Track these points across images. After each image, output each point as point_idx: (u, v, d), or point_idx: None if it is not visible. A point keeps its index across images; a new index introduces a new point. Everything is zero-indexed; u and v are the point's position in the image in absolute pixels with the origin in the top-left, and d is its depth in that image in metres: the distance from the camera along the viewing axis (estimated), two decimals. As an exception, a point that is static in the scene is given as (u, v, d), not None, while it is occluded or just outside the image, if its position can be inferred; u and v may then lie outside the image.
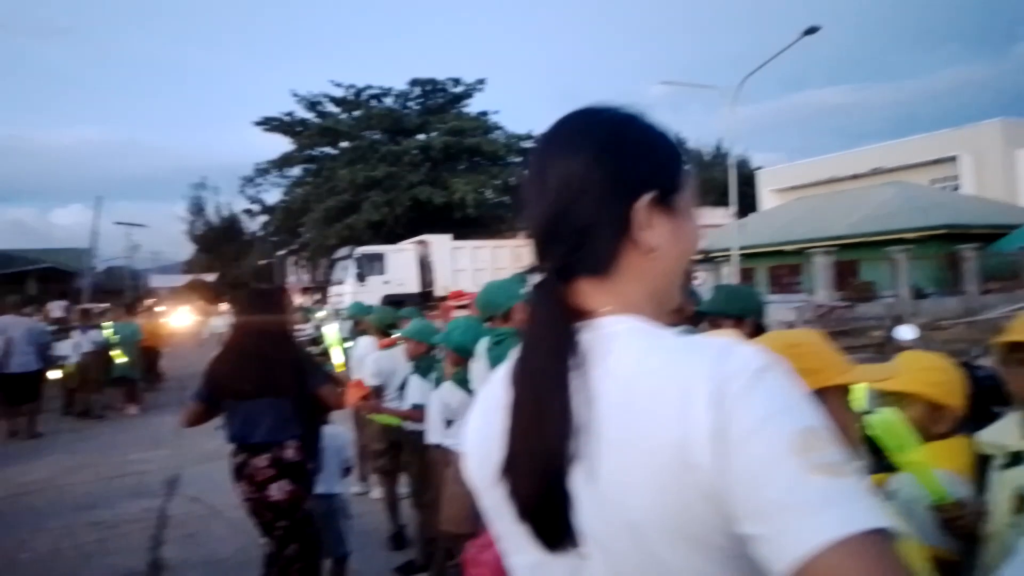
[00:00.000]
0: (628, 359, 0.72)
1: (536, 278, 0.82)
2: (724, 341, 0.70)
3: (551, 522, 0.72)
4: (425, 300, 22.00)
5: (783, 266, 22.08)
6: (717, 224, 31.96)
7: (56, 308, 19.91)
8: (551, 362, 0.74)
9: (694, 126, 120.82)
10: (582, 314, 0.77)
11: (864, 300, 17.72)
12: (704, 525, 0.64)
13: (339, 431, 3.69)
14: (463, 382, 3.53)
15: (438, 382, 3.66)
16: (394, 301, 21.49)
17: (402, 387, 4.33)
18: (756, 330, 2.85)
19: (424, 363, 4.17)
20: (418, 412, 4.09)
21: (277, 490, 3.08)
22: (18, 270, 31.31)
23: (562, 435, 0.71)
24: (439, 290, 21.60)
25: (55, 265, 33.90)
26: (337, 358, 4.44)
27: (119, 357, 11.04)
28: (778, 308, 20.69)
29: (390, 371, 4.58)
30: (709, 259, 22.99)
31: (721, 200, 37.63)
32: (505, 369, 0.83)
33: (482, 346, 3.23)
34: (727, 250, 20.86)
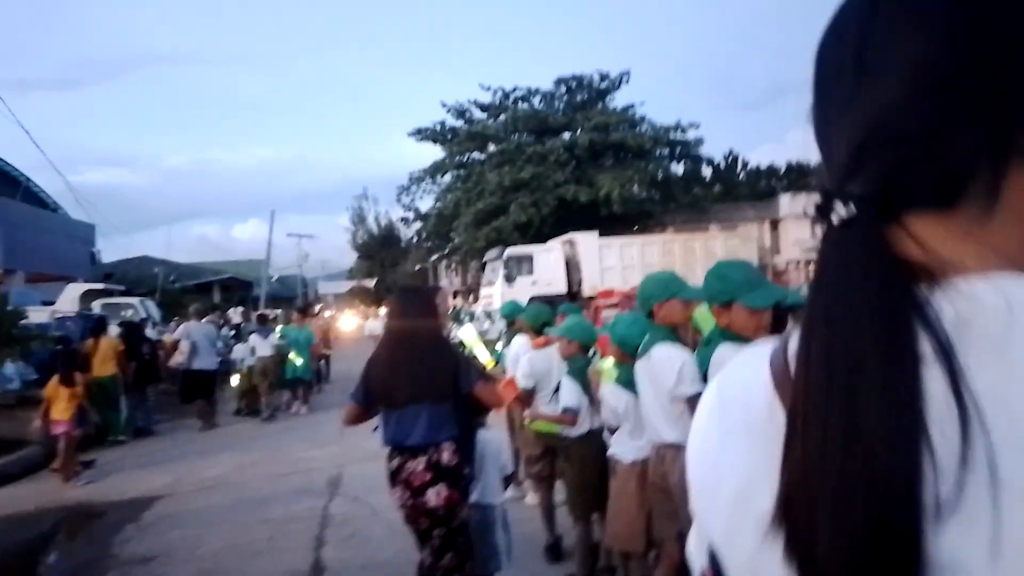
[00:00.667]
0: None
1: (835, 216, 0.49)
2: None
3: None
4: (573, 299, 21.80)
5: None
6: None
7: (235, 314, 21.72)
8: (879, 347, 0.45)
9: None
10: (927, 271, 0.47)
11: None
12: None
13: (495, 435, 3.48)
14: (628, 383, 3.18)
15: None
16: (543, 302, 21.47)
17: (557, 389, 4.04)
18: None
19: (579, 363, 3.86)
20: (571, 416, 3.80)
21: (434, 495, 2.94)
22: (204, 281, 34.71)
23: (909, 471, 0.42)
24: (587, 289, 21.28)
25: (235, 275, 37.34)
26: (482, 356, 4.23)
27: (295, 359, 11.64)
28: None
29: (544, 372, 4.31)
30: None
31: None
32: (755, 367, 0.57)
33: (659, 346, 2.90)
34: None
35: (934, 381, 0.43)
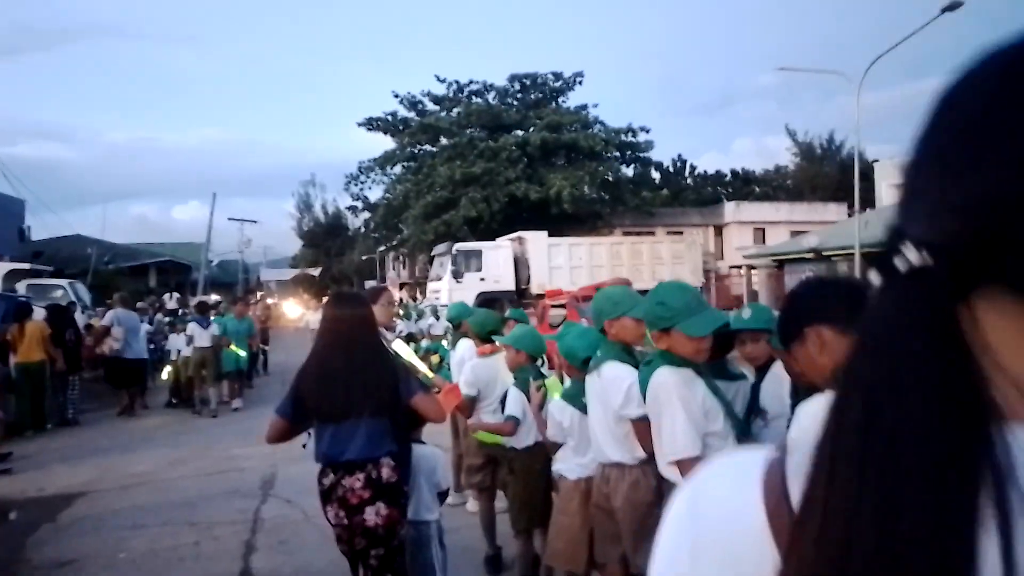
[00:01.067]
0: None
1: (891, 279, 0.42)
2: None
3: None
4: (520, 297, 21.80)
5: (906, 266, 20.34)
6: (831, 221, 30.19)
7: (170, 300, 20.93)
8: (937, 491, 0.36)
9: (805, 116, 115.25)
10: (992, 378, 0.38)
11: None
12: None
13: (429, 449, 3.34)
14: (574, 397, 3.12)
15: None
16: (489, 299, 21.48)
17: (503, 400, 3.95)
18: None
19: (526, 374, 3.78)
20: (512, 425, 3.73)
21: (373, 514, 2.79)
22: (140, 263, 33.42)
23: None
24: (535, 288, 21.29)
25: (173, 258, 36.02)
26: (421, 369, 4.12)
27: (236, 350, 11.14)
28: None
29: (488, 380, 4.21)
30: (824, 258, 21.49)
31: (835, 195, 35.62)
32: (740, 486, 0.49)
33: (609, 364, 2.84)
34: (844, 248, 19.43)
35: (990, 545, 0.35)
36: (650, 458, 2.67)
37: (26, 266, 19.87)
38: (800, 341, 1.61)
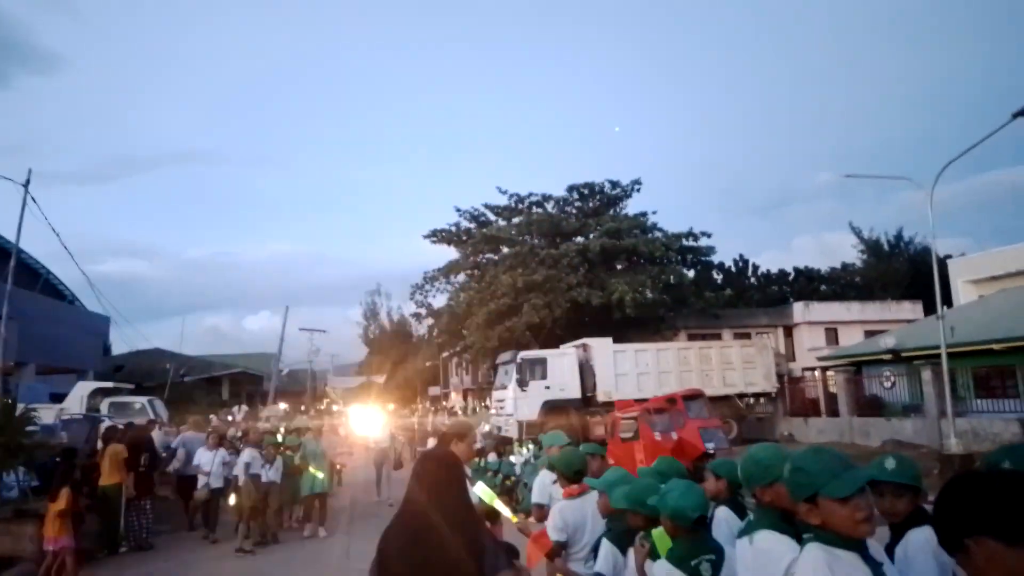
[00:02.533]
0: None
1: None
2: None
3: None
4: (587, 405, 21.42)
5: (993, 368, 19.16)
6: (906, 319, 29.06)
7: (239, 412, 21.35)
8: None
9: (865, 213, 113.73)
10: None
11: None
12: None
13: None
14: (683, 560, 2.91)
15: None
16: (555, 406, 21.17)
17: (596, 546, 3.75)
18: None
19: (621, 523, 3.58)
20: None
21: None
22: (214, 375, 34.50)
23: None
24: (601, 395, 20.91)
25: (245, 369, 37.10)
26: (504, 511, 3.97)
27: (315, 472, 10.82)
28: (991, 418, 17.95)
29: (578, 524, 4.01)
30: (904, 359, 20.53)
31: (907, 293, 34.45)
32: None
33: (765, 533, 2.59)
34: (924, 348, 18.54)
35: None
36: None
37: (109, 385, 20.73)
38: (964, 552, 1.45)
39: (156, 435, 13.58)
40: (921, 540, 2.60)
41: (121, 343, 34.46)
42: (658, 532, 3.20)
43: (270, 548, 9.72)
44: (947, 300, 27.32)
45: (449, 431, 4.30)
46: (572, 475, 4.17)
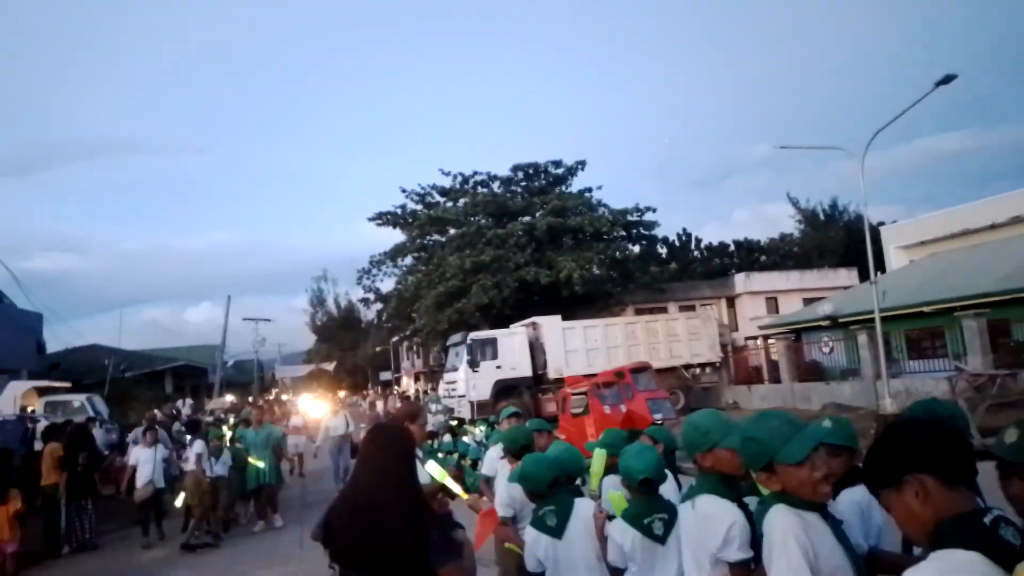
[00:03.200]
0: None
1: None
2: None
3: None
4: (538, 383, 21.61)
5: (924, 330, 20.07)
6: (843, 286, 30.10)
7: (184, 407, 20.82)
8: None
9: (802, 184, 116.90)
10: None
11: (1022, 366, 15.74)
12: None
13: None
14: (637, 518, 3.00)
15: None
16: (507, 386, 21.30)
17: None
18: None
19: (563, 493, 3.65)
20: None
21: None
22: (156, 369, 33.50)
23: None
24: (552, 373, 21.13)
25: (188, 362, 36.13)
26: (455, 489, 3.99)
27: (256, 462, 10.53)
28: (923, 379, 18.83)
29: (524, 499, 4.08)
30: (841, 325, 21.30)
31: (843, 260, 35.67)
32: None
33: (706, 497, 2.63)
34: (860, 314, 19.28)
35: None
36: None
37: (43, 383, 19.94)
38: (897, 488, 1.50)
39: (97, 433, 13.15)
40: (852, 500, 2.71)
41: (56, 341, 33.15)
42: (615, 495, 3.30)
43: (220, 544, 9.54)
44: (880, 266, 28.44)
45: (400, 413, 4.29)
46: (518, 451, 4.21)
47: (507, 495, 4.10)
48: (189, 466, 9.82)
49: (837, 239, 39.14)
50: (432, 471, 3.96)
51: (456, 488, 4.04)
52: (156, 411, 19.56)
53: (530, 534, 3.48)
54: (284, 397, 41.35)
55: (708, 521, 2.49)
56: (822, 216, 42.61)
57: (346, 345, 50.39)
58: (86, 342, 32.58)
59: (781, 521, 2.10)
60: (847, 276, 32.59)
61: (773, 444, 2.15)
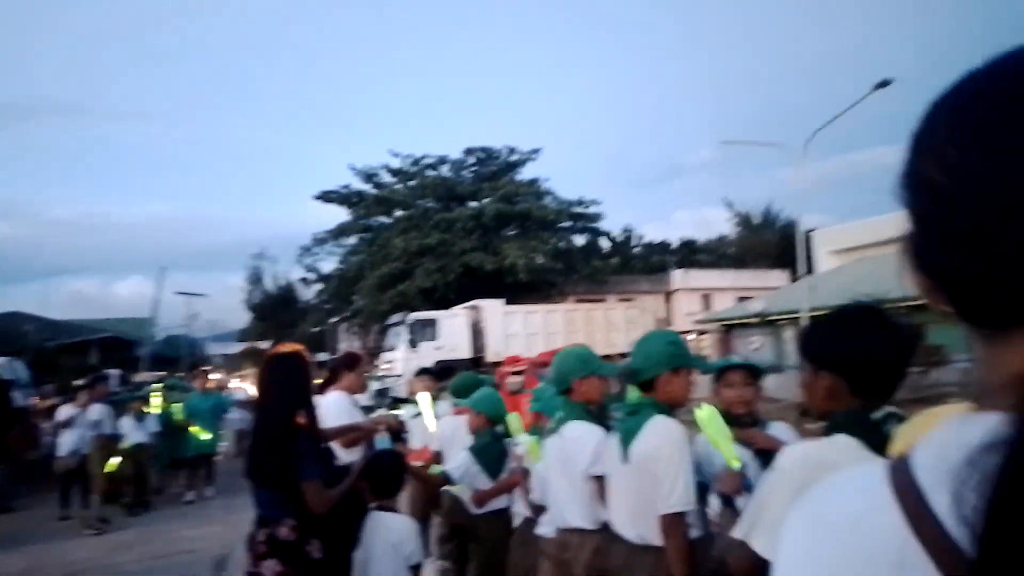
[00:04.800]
0: None
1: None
2: None
3: None
4: (476, 365, 21.74)
5: (848, 329, 21.03)
6: (773, 287, 31.19)
7: (114, 379, 20.08)
8: None
9: (743, 188, 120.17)
10: None
11: (935, 365, 16.71)
12: None
13: (399, 520, 3.27)
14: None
15: None
16: (446, 367, 21.31)
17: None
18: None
19: (484, 439, 3.85)
20: (479, 495, 3.74)
21: (267, 568, 2.92)
22: (82, 340, 32.23)
23: None
24: (491, 355, 21.30)
25: (117, 334, 34.86)
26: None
27: (200, 432, 10.12)
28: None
29: (449, 438, 4.30)
30: (769, 322, 22.14)
31: (776, 262, 36.91)
32: (865, 493, 0.50)
33: (573, 424, 2.91)
34: (788, 312, 20.07)
35: None
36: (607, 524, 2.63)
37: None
38: (815, 372, 1.62)
39: (17, 396, 12.64)
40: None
41: (-27, 307, 31.48)
42: (532, 440, 3.47)
43: (143, 516, 9.17)
44: (811, 269, 29.61)
45: (339, 359, 4.41)
46: (461, 393, 4.44)
47: (439, 432, 4.34)
48: (80, 432, 8.98)
49: (771, 242, 40.50)
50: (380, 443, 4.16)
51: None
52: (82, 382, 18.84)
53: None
54: (215, 375, 40.30)
55: (576, 443, 2.79)
56: (757, 220, 44.10)
57: (283, 324, 49.42)
58: (7, 309, 31.09)
59: (673, 427, 2.36)
60: (779, 277, 33.74)
61: (688, 353, 2.46)
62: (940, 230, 0.48)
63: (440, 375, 19.38)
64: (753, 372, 2.73)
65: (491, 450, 3.86)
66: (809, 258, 32.24)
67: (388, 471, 3.34)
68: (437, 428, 4.40)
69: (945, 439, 0.46)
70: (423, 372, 6.58)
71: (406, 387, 20.85)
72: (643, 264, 41.48)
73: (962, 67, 0.50)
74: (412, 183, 31.51)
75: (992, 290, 0.46)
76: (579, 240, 33.46)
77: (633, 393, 2.67)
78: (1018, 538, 0.38)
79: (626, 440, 2.43)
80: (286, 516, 2.95)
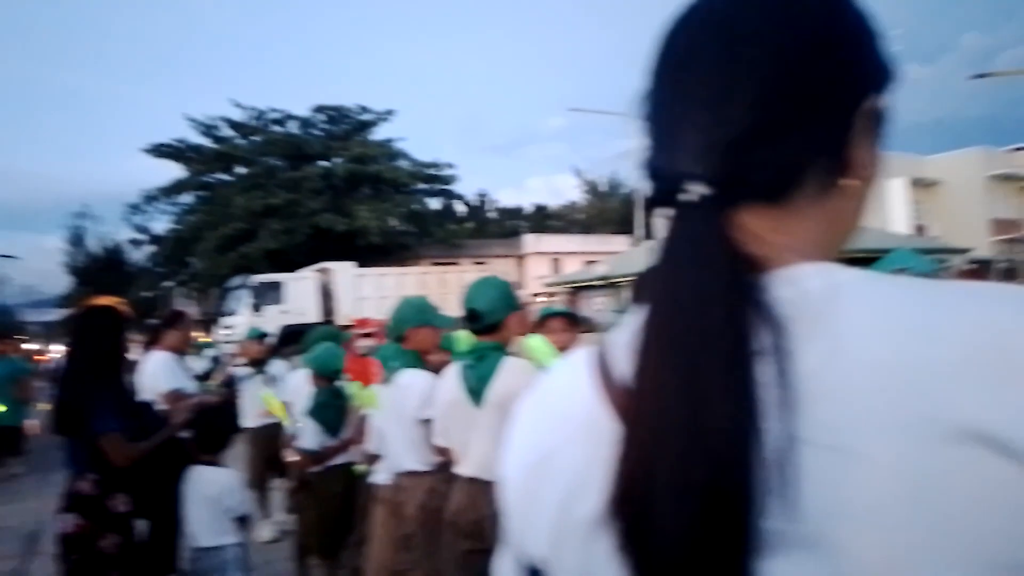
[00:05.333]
0: (872, 318, 0.46)
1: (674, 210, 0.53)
2: None
3: (710, 565, 0.45)
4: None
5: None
6: (618, 251, 32.89)
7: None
8: (718, 335, 0.47)
9: (592, 156, 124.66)
10: (760, 261, 0.51)
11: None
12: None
13: (220, 474, 3.22)
14: None
15: None
16: (293, 331, 20.59)
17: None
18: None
19: (322, 396, 3.84)
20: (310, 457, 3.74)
21: (65, 522, 2.90)
22: None
23: (745, 461, 0.44)
24: (341, 319, 20.84)
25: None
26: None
27: None
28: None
29: (294, 392, 4.27)
30: (613, 285, 23.40)
31: (621, 228, 38.90)
32: (572, 374, 0.60)
33: (406, 372, 2.97)
34: (630, 275, 21.30)
35: (768, 367, 0.46)
36: (442, 465, 2.75)
37: None
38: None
39: None
40: None
41: None
42: (367, 392, 3.50)
43: None
44: (650, 234, 31.41)
45: (164, 316, 4.27)
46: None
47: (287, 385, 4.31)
48: None
49: (616, 209, 42.58)
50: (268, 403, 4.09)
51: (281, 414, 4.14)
52: None
53: None
54: (30, 346, 36.46)
55: (406, 390, 2.90)
56: (604, 188, 46.16)
57: (109, 290, 45.44)
58: None
59: (524, 367, 2.45)
60: (622, 242, 35.60)
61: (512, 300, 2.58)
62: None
63: (286, 339, 18.79)
64: (571, 320, 2.92)
65: (328, 407, 3.86)
66: (647, 224, 34.23)
67: (213, 427, 3.32)
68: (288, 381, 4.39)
69: (631, 321, 0.57)
70: (257, 336, 6.43)
71: (239, 351, 20.02)
72: (497, 229, 42.20)
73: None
74: (256, 139, 29.77)
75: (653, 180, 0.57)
76: (434, 204, 33.36)
77: (467, 338, 2.75)
78: (653, 385, 0.49)
79: (480, 384, 2.47)
80: (88, 470, 2.89)
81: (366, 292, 21.62)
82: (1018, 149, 27.76)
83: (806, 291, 0.49)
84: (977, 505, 0.40)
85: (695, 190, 0.51)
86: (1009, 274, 17.05)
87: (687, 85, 0.55)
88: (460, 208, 39.55)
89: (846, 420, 0.44)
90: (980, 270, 15.38)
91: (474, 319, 2.56)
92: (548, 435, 0.60)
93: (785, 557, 0.44)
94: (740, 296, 0.48)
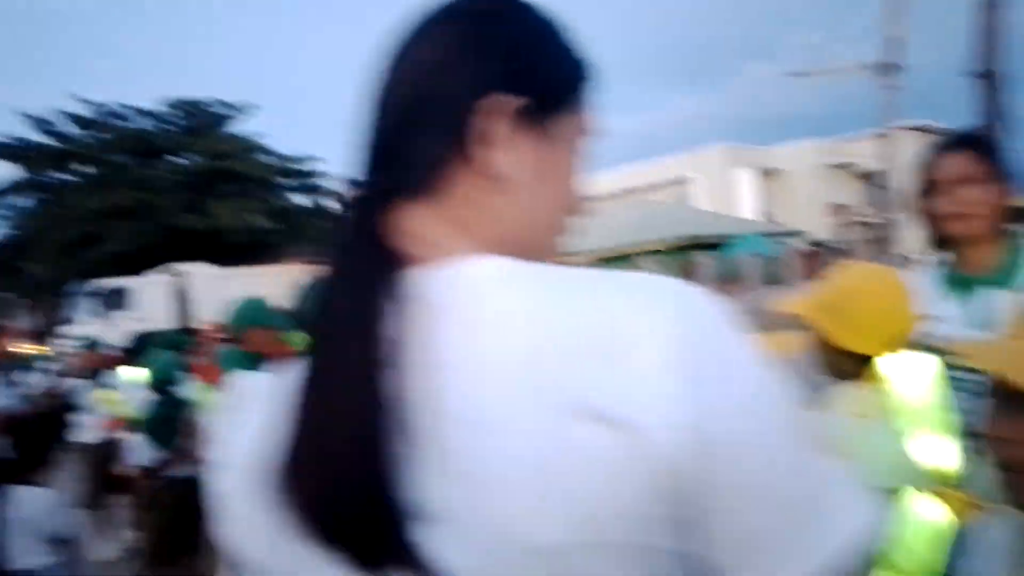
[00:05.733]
0: (508, 307, 0.53)
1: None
2: (672, 281, 0.53)
3: (367, 533, 0.50)
4: (187, 334, 19.95)
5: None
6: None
7: None
8: (358, 325, 0.54)
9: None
10: (414, 256, 0.57)
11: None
12: (644, 529, 0.48)
13: (36, 494, 3.00)
14: None
15: None
16: (144, 338, 19.20)
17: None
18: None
19: (156, 409, 3.63)
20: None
21: None
22: None
23: (380, 417, 0.51)
24: (199, 324, 19.75)
25: None
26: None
27: None
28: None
29: (135, 403, 4.04)
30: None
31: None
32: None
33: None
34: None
35: (411, 341, 0.52)
36: None
37: None
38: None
39: None
40: None
41: None
42: (208, 396, 3.35)
43: None
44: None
45: None
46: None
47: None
48: None
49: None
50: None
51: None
52: None
53: None
54: None
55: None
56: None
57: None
58: None
59: None
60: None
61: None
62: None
63: (138, 347, 17.67)
64: None
65: (158, 419, 3.68)
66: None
67: (31, 443, 3.07)
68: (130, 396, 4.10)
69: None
70: (90, 346, 6.21)
71: (76, 362, 18.47)
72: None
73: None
74: (102, 135, 27.56)
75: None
76: (304, 201, 32.19)
77: (303, 339, 2.72)
78: (312, 374, 0.56)
79: None
80: None
81: (232, 294, 20.54)
82: (850, 140, 30.63)
83: (453, 284, 0.54)
84: (587, 471, 0.46)
85: (356, 194, 0.60)
86: (843, 253, 18.73)
87: (371, 107, 0.62)
88: (335, 205, 38.66)
89: (489, 398, 0.49)
90: (817, 251, 16.84)
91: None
92: (242, 407, 0.67)
93: (442, 524, 0.49)
94: (378, 289, 0.54)
